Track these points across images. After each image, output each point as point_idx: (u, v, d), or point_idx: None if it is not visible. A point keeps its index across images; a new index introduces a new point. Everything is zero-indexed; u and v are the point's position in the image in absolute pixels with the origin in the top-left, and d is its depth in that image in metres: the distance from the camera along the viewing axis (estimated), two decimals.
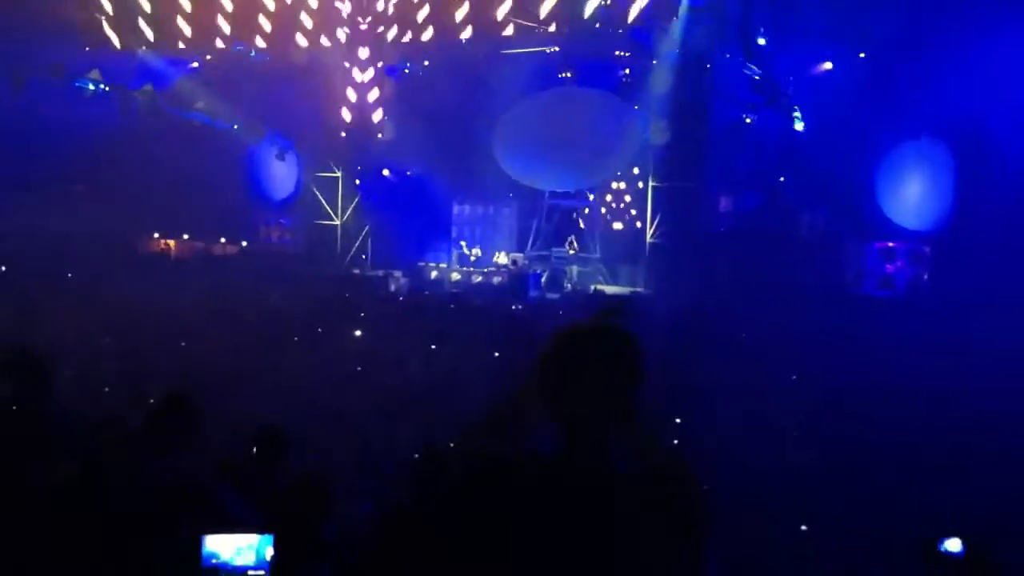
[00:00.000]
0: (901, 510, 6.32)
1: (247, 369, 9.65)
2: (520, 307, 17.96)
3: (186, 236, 24.89)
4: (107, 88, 22.90)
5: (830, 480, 7.39)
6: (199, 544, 3.69)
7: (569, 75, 21.65)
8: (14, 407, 4.13)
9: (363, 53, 23.72)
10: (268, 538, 3.78)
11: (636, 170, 22.19)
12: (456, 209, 24.88)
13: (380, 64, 23.89)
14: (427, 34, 22.55)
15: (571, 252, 22.29)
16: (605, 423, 2.11)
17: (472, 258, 23.07)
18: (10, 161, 20.58)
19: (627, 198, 23.10)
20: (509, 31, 21.29)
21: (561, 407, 2.14)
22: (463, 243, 23.59)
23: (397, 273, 22.01)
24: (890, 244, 18.82)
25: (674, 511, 2.10)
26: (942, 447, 7.64)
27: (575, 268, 22.04)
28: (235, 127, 24.34)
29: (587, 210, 23.58)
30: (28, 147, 20.99)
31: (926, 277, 18.54)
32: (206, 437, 4.49)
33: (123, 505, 3.68)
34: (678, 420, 8.04)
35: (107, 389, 8.69)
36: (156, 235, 24.75)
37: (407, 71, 23.77)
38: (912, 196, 18.47)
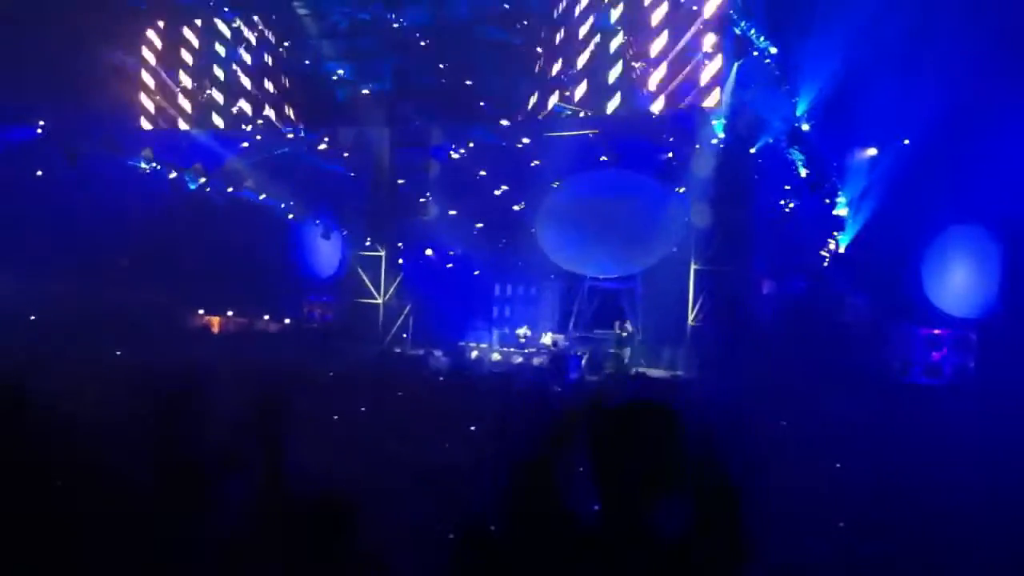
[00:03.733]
0: None
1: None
2: (560, 389, 17.75)
3: (230, 312, 25.16)
4: (159, 166, 23.42)
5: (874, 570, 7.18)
6: None
7: (612, 158, 21.76)
8: None
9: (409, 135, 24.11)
10: None
11: (679, 253, 22.07)
12: (498, 289, 24.94)
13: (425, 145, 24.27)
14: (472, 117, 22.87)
15: (624, 335, 22.04)
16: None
17: (522, 339, 22.85)
18: (61, 234, 21.06)
19: (669, 281, 22.95)
20: (552, 115, 21.51)
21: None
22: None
23: (438, 352, 21.98)
24: (936, 331, 18.51)
25: None
26: (992, 536, 7.41)
27: (627, 350, 21.73)
28: (282, 206, 24.76)
29: (629, 292, 23.47)
30: (79, 221, 21.45)
31: (972, 365, 18.18)
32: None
33: None
34: None
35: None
36: (201, 311, 25.05)
37: (452, 152, 24.07)
38: (958, 283, 18.23)
